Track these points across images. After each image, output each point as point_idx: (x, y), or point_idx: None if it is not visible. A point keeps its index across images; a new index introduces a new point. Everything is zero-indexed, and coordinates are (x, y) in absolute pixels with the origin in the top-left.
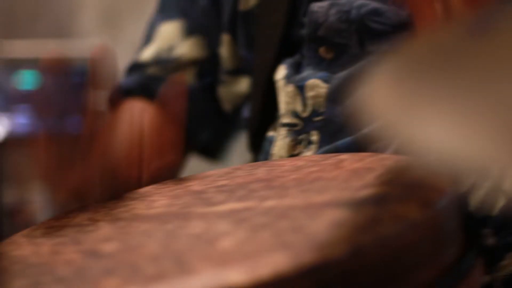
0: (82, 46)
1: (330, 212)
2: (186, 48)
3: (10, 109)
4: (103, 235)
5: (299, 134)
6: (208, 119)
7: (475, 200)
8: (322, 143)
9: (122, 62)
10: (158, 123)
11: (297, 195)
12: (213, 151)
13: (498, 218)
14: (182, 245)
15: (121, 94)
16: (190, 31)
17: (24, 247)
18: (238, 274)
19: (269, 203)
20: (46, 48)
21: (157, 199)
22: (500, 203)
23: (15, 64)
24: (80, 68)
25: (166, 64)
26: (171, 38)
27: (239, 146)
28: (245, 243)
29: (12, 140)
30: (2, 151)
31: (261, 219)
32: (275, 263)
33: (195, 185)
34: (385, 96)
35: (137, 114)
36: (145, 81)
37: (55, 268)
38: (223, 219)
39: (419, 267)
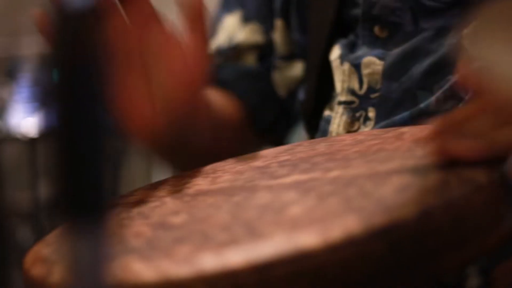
0: None
1: (396, 178)
2: (244, 35)
3: (46, 104)
4: (170, 209)
5: (356, 111)
6: (269, 101)
7: None
8: (379, 119)
9: None
10: (230, 106)
11: (361, 165)
12: (275, 133)
13: None
14: (251, 214)
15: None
16: (247, 19)
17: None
18: (310, 237)
19: (334, 173)
20: None
21: (220, 175)
22: None
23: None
24: None
25: (227, 53)
26: (230, 29)
27: (296, 130)
28: (314, 209)
29: (47, 135)
30: (37, 147)
31: (328, 188)
32: (346, 225)
33: (257, 162)
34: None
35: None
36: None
37: (125, 239)
38: (289, 189)
39: (485, 231)
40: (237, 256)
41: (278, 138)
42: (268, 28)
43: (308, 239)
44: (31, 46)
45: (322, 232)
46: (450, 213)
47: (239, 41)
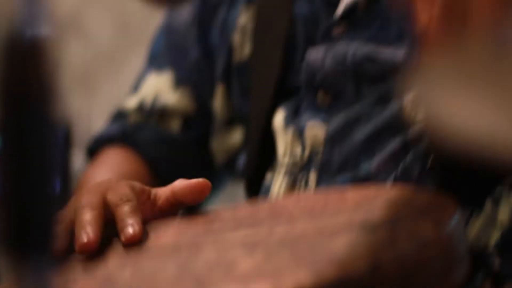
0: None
1: (346, 232)
2: (172, 99)
3: None
4: (116, 264)
5: (297, 174)
6: (191, 169)
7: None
8: (320, 183)
9: (99, 121)
10: (135, 171)
11: (308, 220)
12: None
13: (500, 245)
14: (200, 268)
15: (102, 143)
16: (178, 83)
17: None
18: None
19: (280, 229)
20: None
21: (163, 231)
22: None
23: None
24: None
25: (150, 112)
26: (157, 88)
27: (232, 195)
28: (264, 264)
29: None
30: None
31: (275, 243)
32: (297, 279)
33: (199, 218)
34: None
35: (117, 162)
36: (127, 129)
37: None
38: (236, 245)
39: (436, 283)
40: None
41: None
42: (202, 94)
43: None
44: None
45: (275, 286)
46: (400, 267)
47: (166, 103)
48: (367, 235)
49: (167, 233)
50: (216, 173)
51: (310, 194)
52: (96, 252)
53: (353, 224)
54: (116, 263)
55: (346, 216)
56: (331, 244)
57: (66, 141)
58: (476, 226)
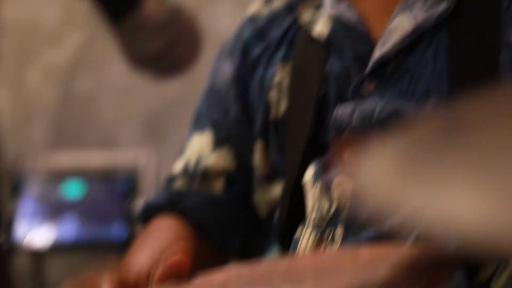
0: (126, 155)
1: None
2: (214, 159)
3: (55, 218)
4: None
5: (324, 230)
6: (238, 228)
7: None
8: (346, 238)
9: (167, 171)
10: (184, 237)
11: (312, 282)
12: (249, 255)
13: None
14: None
15: (152, 211)
16: (219, 142)
17: None
18: None
19: None
20: (92, 158)
21: None
22: None
23: (61, 174)
24: (124, 177)
25: (193, 175)
26: (200, 149)
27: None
28: None
29: (57, 249)
30: (46, 259)
31: None
32: None
33: (217, 278)
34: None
35: (165, 230)
36: (172, 196)
37: None
38: None
39: None
40: None
41: (250, 258)
42: (243, 151)
43: None
44: (38, 162)
45: None
46: None
47: (208, 165)
48: None
49: None
50: (263, 226)
51: (328, 252)
52: None
53: (350, 286)
54: None
55: (346, 279)
56: None
57: (131, 190)
58: (501, 280)
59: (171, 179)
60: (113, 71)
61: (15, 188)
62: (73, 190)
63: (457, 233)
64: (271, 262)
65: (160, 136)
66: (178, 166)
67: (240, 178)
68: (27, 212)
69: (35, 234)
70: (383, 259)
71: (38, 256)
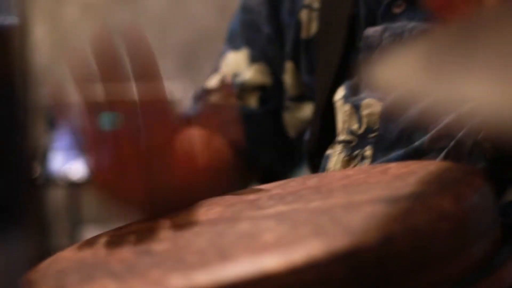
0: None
1: (368, 207)
2: (250, 74)
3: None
4: (157, 238)
5: (354, 150)
6: (270, 143)
7: None
8: (375, 157)
9: None
10: (217, 148)
11: (340, 196)
12: (277, 173)
13: None
14: (228, 240)
15: (185, 123)
16: (254, 59)
17: (84, 251)
18: (273, 260)
19: (314, 204)
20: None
21: (213, 207)
22: None
23: (97, 106)
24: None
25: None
26: (236, 66)
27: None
28: (285, 236)
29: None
30: (82, 192)
31: (303, 217)
32: (308, 249)
33: (250, 195)
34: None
35: (200, 137)
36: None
37: (109, 264)
38: (269, 219)
39: (448, 258)
40: (203, 277)
41: (280, 177)
42: (276, 69)
43: (271, 261)
44: (72, 95)
45: (286, 255)
46: (412, 239)
47: (244, 80)
48: (386, 209)
49: (213, 210)
50: (293, 146)
51: (357, 169)
52: (147, 227)
53: (378, 199)
54: (157, 237)
55: (375, 192)
56: (350, 217)
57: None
58: None
59: (205, 93)
60: (148, 4)
61: (52, 121)
62: (107, 122)
63: (480, 114)
64: (301, 179)
65: (195, 69)
66: (212, 81)
67: (274, 94)
68: (63, 145)
69: (72, 167)
70: (412, 173)
71: (74, 189)
